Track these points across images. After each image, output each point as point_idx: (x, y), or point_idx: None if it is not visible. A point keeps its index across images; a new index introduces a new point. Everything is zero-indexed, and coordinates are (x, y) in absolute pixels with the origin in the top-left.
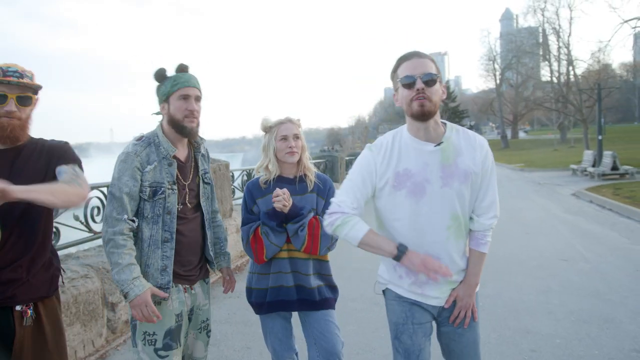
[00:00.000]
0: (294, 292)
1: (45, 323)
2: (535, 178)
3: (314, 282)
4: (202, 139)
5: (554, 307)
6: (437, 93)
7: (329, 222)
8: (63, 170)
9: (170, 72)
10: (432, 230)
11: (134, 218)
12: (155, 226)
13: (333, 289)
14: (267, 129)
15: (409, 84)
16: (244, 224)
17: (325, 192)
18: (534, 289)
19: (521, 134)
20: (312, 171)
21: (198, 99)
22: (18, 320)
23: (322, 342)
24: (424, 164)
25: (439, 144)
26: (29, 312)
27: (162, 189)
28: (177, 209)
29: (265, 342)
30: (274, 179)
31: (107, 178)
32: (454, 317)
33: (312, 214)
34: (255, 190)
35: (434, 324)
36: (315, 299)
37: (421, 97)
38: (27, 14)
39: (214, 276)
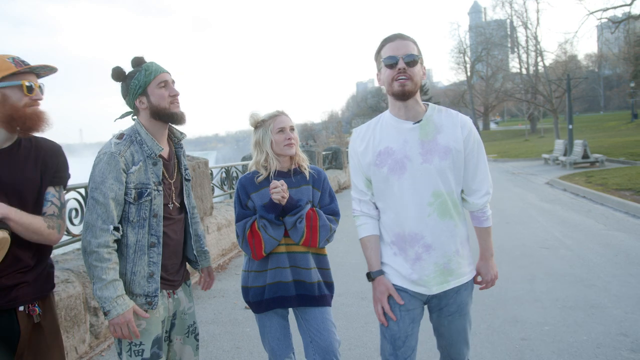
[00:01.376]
0: (292, 288)
1: (45, 320)
2: (509, 168)
3: (315, 276)
4: (182, 133)
5: (541, 295)
6: (418, 73)
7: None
8: (49, 199)
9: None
10: (414, 206)
11: (119, 226)
12: (141, 230)
13: (330, 285)
14: (259, 123)
15: (392, 64)
16: (238, 220)
17: (320, 184)
18: (520, 277)
19: (492, 125)
20: (306, 162)
21: (174, 82)
22: (23, 320)
23: (318, 340)
24: (403, 141)
25: (418, 122)
26: (37, 309)
27: (148, 190)
28: (165, 209)
29: (262, 341)
30: (274, 173)
31: (79, 179)
32: (483, 288)
33: (309, 206)
34: (249, 185)
35: (425, 308)
36: (314, 295)
37: (402, 77)
38: None
39: (195, 277)
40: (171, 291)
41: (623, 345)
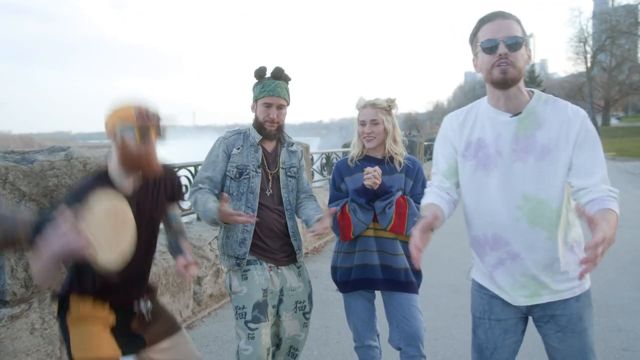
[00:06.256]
0: (379, 271)
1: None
2: (629, 168)
3: (402, 262)
4: (289, 138)
5: None
6: (521, 58)
7: None
8: (175, 218)
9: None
10: (501, 209)
11: (218, 183)
12: (238, 202)
13: (418, 273)
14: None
15: (491, 49)
16: (331, 201)
17: (414, 173)
18: (628, 285)
19: (613, 121)
20: (399, 153)
21: (280, 107)
22: (137, 308)
23: (404, 326)
24: (497, 135)
25: (517, 114)
26: (148, 302)
27: (247, 170)
28: (261, 195)
29: (347, 321)
30: (360, 158)
31: (190, 158)
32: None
33: (399, 193)
34: (343, 169)
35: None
36: (401, 280)
37: (503, 64)
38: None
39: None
40: (273, 265)
41: None
